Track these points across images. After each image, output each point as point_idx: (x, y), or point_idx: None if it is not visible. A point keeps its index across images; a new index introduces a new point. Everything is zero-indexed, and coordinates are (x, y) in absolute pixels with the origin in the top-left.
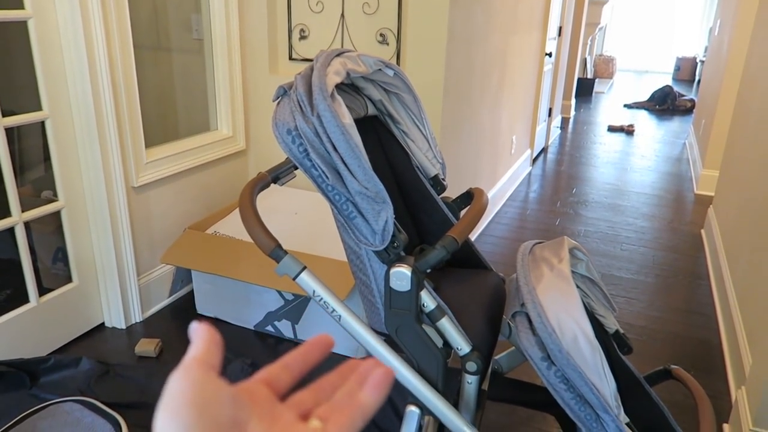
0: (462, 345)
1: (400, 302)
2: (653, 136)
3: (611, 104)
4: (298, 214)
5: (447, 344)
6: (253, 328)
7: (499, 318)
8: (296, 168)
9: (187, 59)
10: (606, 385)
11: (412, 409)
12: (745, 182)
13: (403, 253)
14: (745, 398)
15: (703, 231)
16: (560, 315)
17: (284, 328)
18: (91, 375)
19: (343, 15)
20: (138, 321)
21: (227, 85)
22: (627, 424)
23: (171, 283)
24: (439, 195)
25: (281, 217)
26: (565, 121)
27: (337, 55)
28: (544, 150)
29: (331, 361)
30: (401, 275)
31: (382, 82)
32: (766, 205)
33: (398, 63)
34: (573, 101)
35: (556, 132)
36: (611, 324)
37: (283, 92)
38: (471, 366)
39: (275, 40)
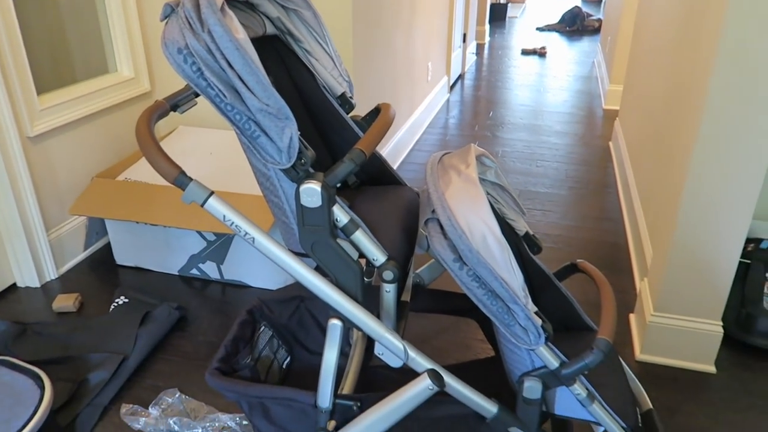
0: (377, 255)
1: (313, 219)
2: (564, 56)
3: (524, 28)
4: (213, 155)
5: (363, 257)
6: (177, 274)
7: (414, 229)
8: (197, 95)
9: None
10: (514, 278)
11: (335, 322)
12: (645, 93)
13: (311, 170)
14: (647, 288)
15: (610, 143)
16: (469, 217)
17: (209, 269)
18: (7, 336)
19: None
20: (53, 278)
21: (122, 22)
22: (536, 313)
23: (85, 236)
24: (347, 114)
25: (196, 159)
26: (480, 47)
27: None
28: (461, 76)
29: (258, 294)
30: (311, 191)
31: None
32: (664, 113)
33: None
34: (487, 27)
35: (471, 58)
36: (521, 227)
37: (171, 10)
38: (387, 275)
39: None
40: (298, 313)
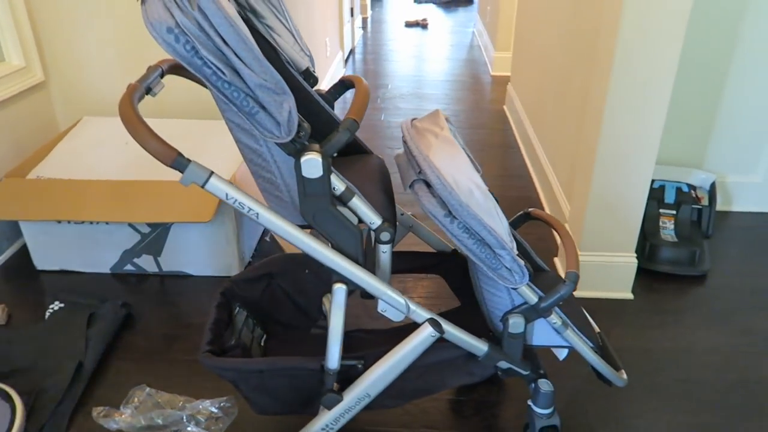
0: (373, 219)
1: (314, 189)
2: (444, 27)
3: (402, 1)
4: (129, 144)
5: (360, 221)
6: (109, 272)
7: (392, 193)
8: (163, 76)
9: None
10: (500, 225)
11: (340, 286)
12: (539, 57)
13: (306, 143)
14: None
15: (505, 107)
16: (455, 174)
17: (146, 263)
18: None
19: None
20: None
21: (5, 4)
22: (518, 255)
23: None
24: (312, 87)
25: (112, 150)
26: (364, 21)
27: None
28: (352, 51)
29: (202, 282)
30: (313, 162)
31: None
32: (561, 74)
33: None
34: (368, 0)
35: (359, 32)
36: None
37: None
38: (385, 236)
39: None
40: (269, 290)
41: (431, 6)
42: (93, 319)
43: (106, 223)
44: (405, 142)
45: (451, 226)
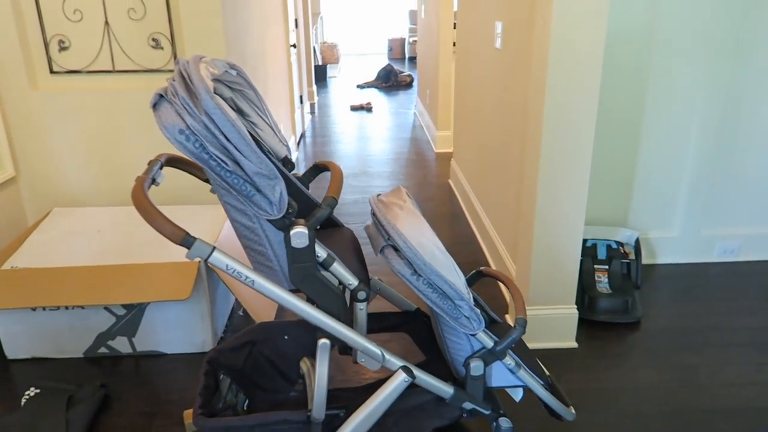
0: (351, 280)
1: (302, 257)
2: (387, 109)
3: (345, 86)
4: (102, 232)
5: (340, 283)
6: (83, 356)
7: (363, 259)
8: (162, 167)
9: None
10: (458, 280)
11: (324, 341)
12: (477, 136)
13: (294, 218)
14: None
15: (450, 181)
16: (419, 238)
17: (120, 345)
18: None
19: (107, 22)
20: None
21: None
22: (475, 304)
23: None
24: (290, 172)
25: (85, 239)
26: (312, 107)
27: (199, 60)
28: (302, 135)
29: (176, 360)
30: (301, 234)
31: (229, 82)
32: (498, 149)
33: None
34: (314, 87)
35: (308, 117)
36: None
37: (159, 97)
38: (361, 294)
39: (29, 53)
40: (251, 357)
41: (374, 90)
42: (71, 402)
43: (82, 307)
44: (374, 214)
45: (417, 282)
